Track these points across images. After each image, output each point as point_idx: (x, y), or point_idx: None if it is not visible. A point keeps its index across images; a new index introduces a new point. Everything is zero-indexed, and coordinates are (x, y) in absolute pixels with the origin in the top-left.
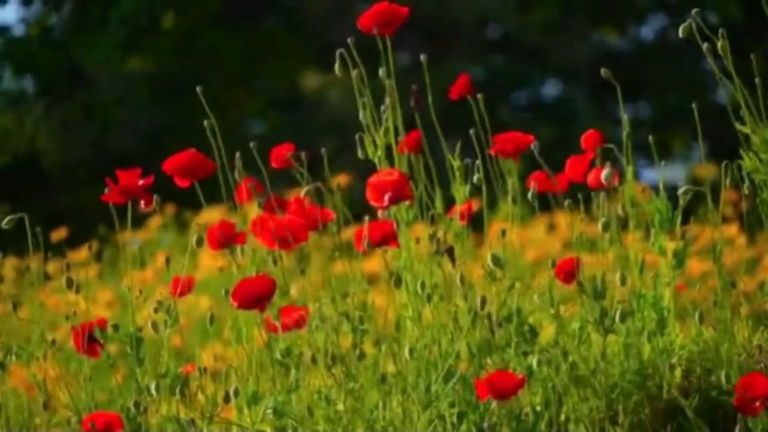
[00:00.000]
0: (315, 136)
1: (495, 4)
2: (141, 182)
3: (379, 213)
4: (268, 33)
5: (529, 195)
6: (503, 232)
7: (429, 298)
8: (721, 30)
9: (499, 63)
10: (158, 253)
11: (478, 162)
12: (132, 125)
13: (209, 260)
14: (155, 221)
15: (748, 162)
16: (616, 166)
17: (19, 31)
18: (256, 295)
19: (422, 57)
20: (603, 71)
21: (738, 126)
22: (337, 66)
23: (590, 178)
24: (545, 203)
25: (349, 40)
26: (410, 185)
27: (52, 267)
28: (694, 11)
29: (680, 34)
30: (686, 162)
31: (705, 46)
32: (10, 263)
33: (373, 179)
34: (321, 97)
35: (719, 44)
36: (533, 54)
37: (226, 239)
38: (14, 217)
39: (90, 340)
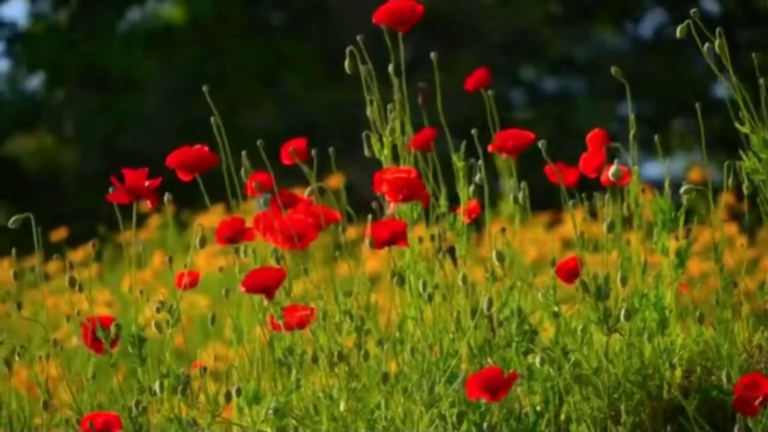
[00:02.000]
0: (327, 135)
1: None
2: (147, 183)
3: (389, 210)
4: (281, 40)
5: (520, 197)
6: (503, 230)
7: (430, 298)
8: (718, 29)
9: (503, 62)
10: (157, 253)
11: (480, 162)
12: (147, 126)
13: (209, 260)
14: (155, 221)
15: (747, 163)
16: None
17: (27, 27)
18: (264, 283)
19: (432, 55)
20: (613, 69)
21: (737, 126)
22: (347, 63)
23: (603, 176)
24: (547, 202)
25: (358, 38)
26: (425, 186)
27: (52, 267)
28: (692, 11)
29: (678, 35)
30: (687, 156)
31: (706, 45)
32: (10, 263)
33: (387, 175)
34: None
35: (716, 43)
36: (536, 52)
37: (234, 235)
38: (20, 217)
39: (97, 336)
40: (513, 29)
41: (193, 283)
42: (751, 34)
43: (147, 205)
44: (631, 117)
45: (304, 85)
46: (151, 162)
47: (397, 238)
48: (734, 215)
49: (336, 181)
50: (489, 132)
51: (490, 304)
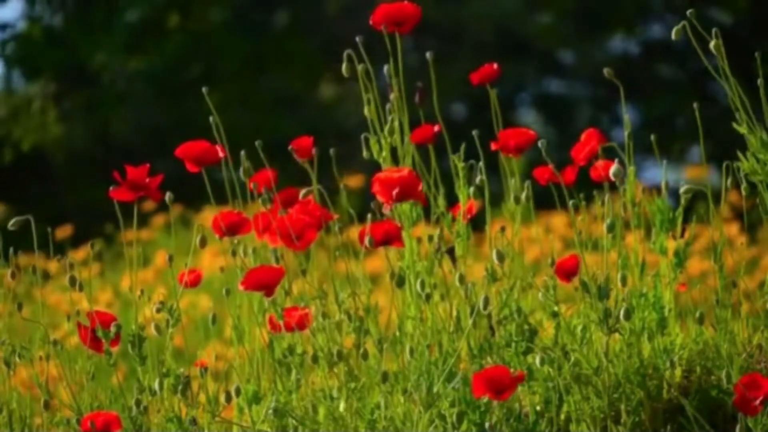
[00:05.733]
0: (325, 138)
1: (506, 6)
2: (149, 179)
3: (385, 209)
4: (278, 35)
5: (523, 196)
6: (502, 229)
7: (428, 298)
8: (714, 29)
9: (506, 64)
10: (159, 253)
11: (481, 164)
12: (135, 123)
13: (210, 260)
14: (158, 220)
15: (745, 164)
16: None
17: (20, 28)
18: (264, 281)
19: (428, 55)
20: (606, 71)
21: (735, 126)
22: (344, 67)
23: (593, 170)
24: (547, 202)
25: (357, 39)
26: (421, 186)
27: (53, 266)
28: (689, 12)
29: (673, 36)
30: (693, 162)
31: (713, 43)
32: (11, 262)
33: (381, 175)
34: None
35: (712, 43)
36: (540, 55)
37: (231, 227)
38: (21, 219)
39: (97, 334)
40: (515, 33)
41: (195, 282)
42: (764, 42)
43: (151, 201)
44: (626, 117)
45: (303, 84)
46: (151, 161)
47: (390, 238)
48: (735, 215)
49: (347, 181)
50: (492, 130)
51: (487, 302)
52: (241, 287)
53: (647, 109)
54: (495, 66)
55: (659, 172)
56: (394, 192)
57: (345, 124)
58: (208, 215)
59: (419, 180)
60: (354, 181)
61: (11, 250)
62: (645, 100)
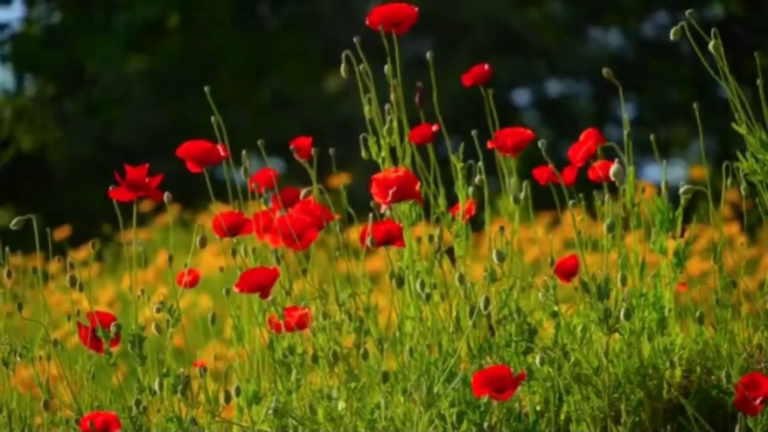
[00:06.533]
0: (327, 135)
1: (502, 4)
2: (148, 179)
3: (382, 209)
4: (276, 34)
5: (521, 195)
6: (501, 229)
7: (428, 298)
8: (713, 29)
9: (504, 63)
10: (159, 253)
11: (480, 164)
12: (135, 123)
13: (210, 260)
14: (160, 220)
15: (745, 164)
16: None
17: (19, 28)
18: (259, 283)
19: (428, 54)
20: (604, 71)
21: (734, 126)
22: (342, 67)
23: (591, 170)
24: (548, 202)
25: (355, 39)
26: (418, 186)
27: (53, 266)
28: (688, 12)
29: (672, 36)
30: (691, 160)
31: (712, 43)
32: (11, 261)
33: (378, 175)
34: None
35: (711, 43)
36: (538, 53)
37: (232, 228)
38: (22, 219)
39: (97, 334)
40: (513, 30)
41: (194, 282)
42: (757, 37)
43: (150, 201)
44: (625, 116)
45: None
46: (151, 161)
47: (392, 238)
48: (735, 215)
49: (338, 180)
50: (489, 130)
51: (487, 303)
52: (235, 289)
53: (642, 105)
54: (486, 67)
55: (656, 169)
56: (391, 192)
57: (349, 119)
58: (208, 215)
59: (416, 180)
60: (341, 179)
61: (10, 250)
62: (641, 96)
